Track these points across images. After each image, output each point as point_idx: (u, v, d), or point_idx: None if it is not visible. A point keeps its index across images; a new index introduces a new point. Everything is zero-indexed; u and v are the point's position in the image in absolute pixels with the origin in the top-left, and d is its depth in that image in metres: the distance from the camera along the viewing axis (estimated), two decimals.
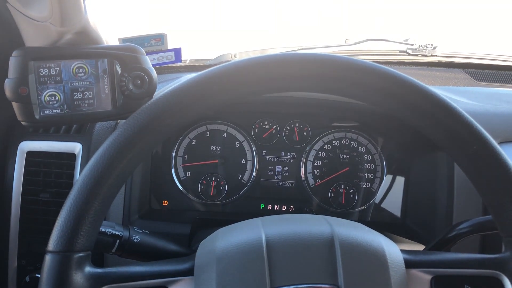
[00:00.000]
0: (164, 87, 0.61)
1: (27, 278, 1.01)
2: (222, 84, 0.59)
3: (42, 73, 0.72)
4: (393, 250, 0.59)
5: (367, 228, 0.63)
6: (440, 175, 1.03)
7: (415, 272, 0.60)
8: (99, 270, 0.55)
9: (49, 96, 0.73)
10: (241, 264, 0.55)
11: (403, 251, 0.61)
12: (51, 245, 0.53)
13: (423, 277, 0.60)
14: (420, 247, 0.97)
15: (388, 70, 0.60)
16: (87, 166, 0.55)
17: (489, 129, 0.60)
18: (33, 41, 0.75)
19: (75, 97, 0.75)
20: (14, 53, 0.70)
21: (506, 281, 0.58)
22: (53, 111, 0.74)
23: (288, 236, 0.57)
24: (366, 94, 0.61)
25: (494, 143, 0.57)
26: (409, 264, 0.59)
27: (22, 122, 0.73)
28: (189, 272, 0.58)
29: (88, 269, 0.54)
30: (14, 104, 0.71)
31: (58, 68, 0.73)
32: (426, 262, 0.60)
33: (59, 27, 0.71)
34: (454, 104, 0.58)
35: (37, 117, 0.72)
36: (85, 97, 0.75)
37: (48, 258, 0.53)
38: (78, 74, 0.74)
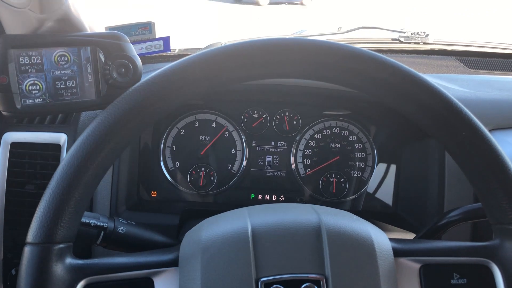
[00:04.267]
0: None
1: (13, 271, 1.00)
2: (206, 70, 0.57)
3: (22, 61, 0.70)
4: (381, 238, 0.58)
5: (355, 216, 0.62)
6: (431, 163, 1.02)
7: (404, 260, 0.59)
8: (80, 261, 0.54)
9: (30, 85, 0.71)
10: (226, 254, 0.54)
11: (391, 239, 0.60)
12: (30, 236, 0.52)
13: (412, 265, 0.59)
14: (412, 236, 0.96)
15: (379, 56, 0.58)
16: (67, 155, 0.54)
17: (480, 116, 0.59)
18: (13, 28, 0.73)
19: (57, 86, 0.73)
20: None
21: (495, 268, 0.57)
22: (35, 100, 0.72)
23: (274, 226, 0.56)
24: (356, 82, 0.60)
25: (484, 129, 0.56)
26: (397, 253, 0.58)
27: (3, 112, 0.71)
28: (173, 263, 0.57)
29: (69, 260, 0.53)
30: None
31: (39, 57, 0.71)
32: (415, 251, 0.60)
33: (39, 13, 0.70)
34: (444, 90, 0.57)
35: (18, 107, 0.70)
36: (68, 86, 0.74)
37: (27, 250, 0.51)
38: (60, 63, 0.73)
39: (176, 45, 1.36)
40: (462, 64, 1.40)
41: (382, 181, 1.15)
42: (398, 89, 0.58)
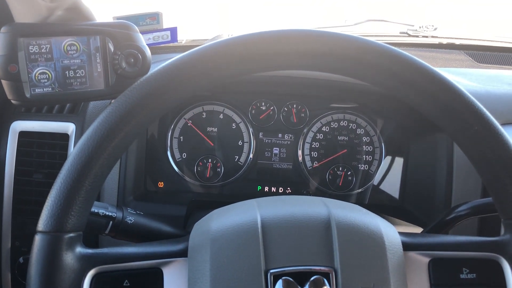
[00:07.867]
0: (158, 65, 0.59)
1: (21, 260, 1.00)
2: (217, 61, 0.57)
3: (32, 50, 0.70)
4: (390, 232, 0.58)
5: (364, 210, 0.62)
6: (439, 157, 1.02)
7: (413, 254, 0.59)
8: (90, 250, 0.54)
9: (40, 74, 0.71)
10: (236, 246, 0.54)
11: (401, 233, 0.60)
12: (41, 225, 0.52)
13: (421, 259, 0.59)
14: (418, 230, 0.96)
15: (390, 48, 0.58)
16: (77, 145, 0.54)
17: (490, 111, 0.58)
18: (22, 17, 0.73)
19: (66, 76, 0.73)
20: (2, 29, 0.68)
21: (505, 264, 0.57)
22: (44, 89, 0.72)
23: (283, 218, 0.56)
24: (367, 73, 0.60)
25: (496, 123, 0.56)
26: (406, 247, 0.58)
27: (13, 101, 0.71)
28: (183, 253, 0.57)
29: (79, 249, 0.53)
30: (4, 82, 0.70)
31: (48, 45, 0.71)
32: (424, 245, 0.59)
33: (48, 2, 0.69)
34: (456, 83, 0.57)
35: (27, 95, 0.70)
36: (77, 75, 0.74)
37: (38, 239, 0.52)
38: (70, 52, 0.72)
39: (182, 36, 1.35)
40: (471, 58, 1.39)
41: (389, 175, 1.15)
42: (409, 81, 0.58)
